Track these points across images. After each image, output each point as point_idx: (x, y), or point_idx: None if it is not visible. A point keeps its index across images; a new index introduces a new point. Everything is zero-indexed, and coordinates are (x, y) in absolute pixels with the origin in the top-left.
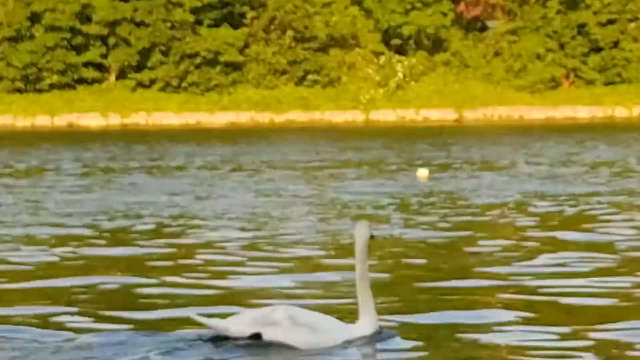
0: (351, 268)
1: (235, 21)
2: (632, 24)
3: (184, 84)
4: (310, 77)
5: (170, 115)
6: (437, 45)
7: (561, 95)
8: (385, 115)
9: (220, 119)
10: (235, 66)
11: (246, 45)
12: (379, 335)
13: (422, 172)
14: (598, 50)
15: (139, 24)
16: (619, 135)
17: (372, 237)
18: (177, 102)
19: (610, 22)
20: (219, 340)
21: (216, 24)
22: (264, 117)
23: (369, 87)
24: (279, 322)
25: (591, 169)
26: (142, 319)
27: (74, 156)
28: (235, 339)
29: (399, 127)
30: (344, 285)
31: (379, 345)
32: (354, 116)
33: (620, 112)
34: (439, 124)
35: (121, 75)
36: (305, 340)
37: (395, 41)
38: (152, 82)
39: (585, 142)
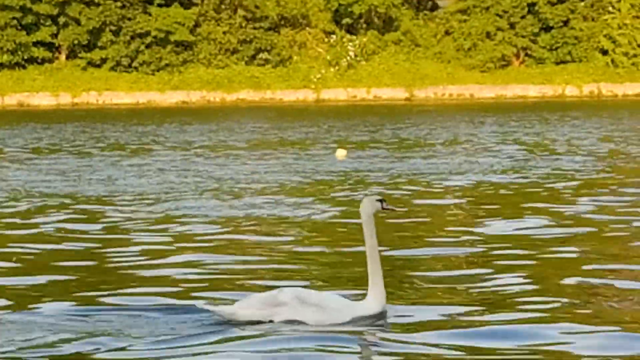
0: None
1: (186, 0)
2: (582, 3)
3: (134, 64)
4: (261, 56)
5: (121, 94)
6: (387, 24)
7: (511, 74)
8: (337, 94)
9: (171, 98)
10: (186, 45)
11: (197, 25)
12: (387, 312)
13: (340, 152)
14: (548, 29)
15: (89, 4)
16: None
17: (384, 209)
18: (128, 82)
19: (560, 1)
20: (227, 325)
21: (167, 3)
22: (215, 97)
23: (320, 67)
24: (287, 303)
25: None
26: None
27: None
28: (244, 322)
29: (350, 106)
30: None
31: (386, 322)
32: (305, 95)
33: (570, 91)
34: (390, 102)
35: (72, 54)
36: (314, 319)
37: (346, 20)
38: (103, 61)
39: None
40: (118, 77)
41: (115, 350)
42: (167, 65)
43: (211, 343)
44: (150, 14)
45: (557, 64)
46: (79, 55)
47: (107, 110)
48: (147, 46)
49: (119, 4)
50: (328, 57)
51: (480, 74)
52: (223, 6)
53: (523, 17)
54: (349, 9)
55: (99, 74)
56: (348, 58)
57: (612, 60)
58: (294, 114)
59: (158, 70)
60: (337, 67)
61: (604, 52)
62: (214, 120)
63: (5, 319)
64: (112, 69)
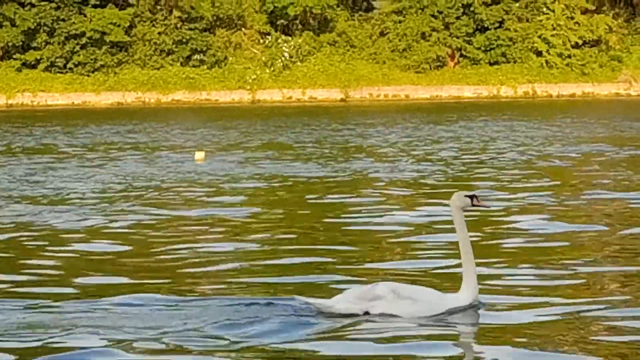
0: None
1: (121, 1)
2: (517, 4)
3: (69, 65)
4: (196, 57)
5: (55, 95)
6: (323, 25)
7: (446, 74)
8: (272, 95)
9: (106, 99)
10: (121, 46)
11: (132, 26)
12: (480, 304)
13: (199, 155)
14: (483, 30)
15: (23, 4)
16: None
17: (474, 205)
18: (63, 83)
19: (495, 2)
20: (326, 316)
21: (102, 4)
22: (150, 98)
23: (256, 68)
24: (383, 296)
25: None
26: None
27: None
28: (341, 315)
29: (286, 107)
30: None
31: (479, 314)
32: (240, 96)
33: (505, 92)
34: (326, 103)
35: (6, 55)
36: (408, 311)
37: (282, 21)
38: (38, 62)
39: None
40: (53, 78)
41: (219, 338)
42: (102, 66)
43: (311, 334)
44: (85, 15)
45: (492, 64)
46: (14, 56)
47: (41, 111)
48: (82, 47)
49: (53, 4)
50: (263, 58)
51: (415, 74)
52: (158, 7)
53: (458, 18)
54: (284, 11)
55: (33, 75)
56: (283, 59)
57: (547, 62)
58: (238, 115)
59: (93, 72)
60: (272, 68)
61: (539, 53)
62: (109, 121)
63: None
64: (47, 70)
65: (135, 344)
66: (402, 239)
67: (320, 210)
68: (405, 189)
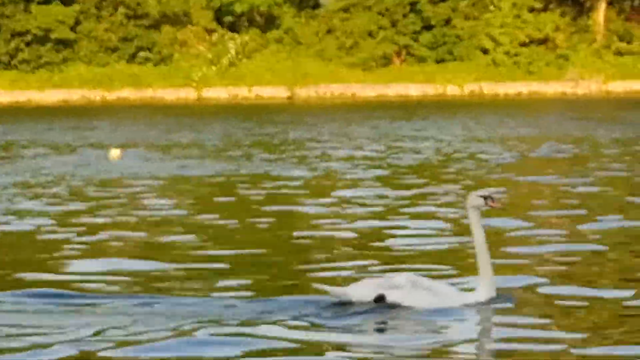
0: None
1: None
2: (464, 2)
3: (14, 62)
4: (142, 54)
5: (0, 92)
6: (269, 22)
7: (393, 72)
8: (218, 93)
9: (51, 96)
10: (66, 43)
11: (77, 22)
12: (496, 301)
13: (114, 152)
14: (430, 27)
15: None
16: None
17: (487, 204)
18: (8, 80)
19: (442, 0)
20: (342, 304)
21: (47, 1)
22: (95, 95)
23: (201, 65)
24: (401, 286)
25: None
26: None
27: None
28: (358, 303)
29: (232, 105)
30: None
31: (495, 311)
32: (186, 94)
33: (452, 90)
34: (272, 101)
35: None
36: (425, 302)
37: (228, 18)
38: None
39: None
40: None
41: (240, 325)
42: (47, 63)
43: (326, 323)
44: (30, 12)
45: (438, 62)
46: None
47: None
48: (27, 44)
49: None
50: (209, 56)
51: (362, 72)
52: (104, 3)
53: (405, 15)
54: (231, 7)
55: None
56: (229, 56)
57: (494, 60)
58: (183, 112)
59: (38, 68)
60: (218, 66)
61: (485, 51)
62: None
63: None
64: None
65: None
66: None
67: (230, 209)
68: (349, 185)
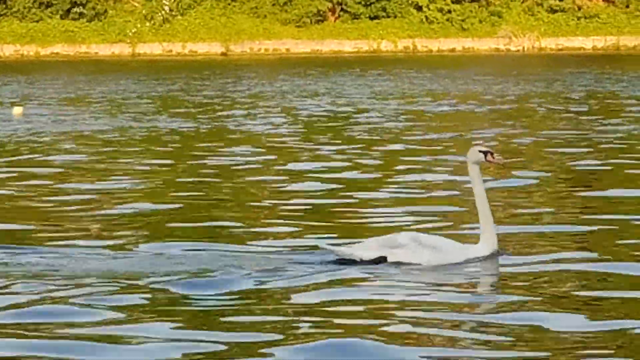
0: None
1: None
2: None
3: None
4: (75, 10)
5: None
6: None
7: (327, 29)
8: (152, 49)
9: None
10: None
11: None
12: (498, 255)
13: (17, 110)
14: None
15: None
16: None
17: (487, 160)
18: None
19: None
20: (347, 263)
21: None
22: (28, 51)
23: (136, 21)
24: (404, 245)
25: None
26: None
27: None
28: (362, 261)
29: (166, 61)
30: None
31: (497, 265)
32: (120, 50)
33: (385, 46)
34: (206, 57)
35: None
36: (428, 260)
37: None
38: None
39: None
40: None
41: (242, 282)
42: None
43: (333, 280)
44: None
45: (372, 19)
46: None
47: None
48: None
49: None
50: (144, 12)
51: (296, 29)
52: None
53: None
54: None
55: None
56: (163, 12)
57: (427, 17)
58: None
59: None
60: (152, 22)
61: (419, 8)
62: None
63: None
64: None
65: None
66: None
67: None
68: (279, 141)
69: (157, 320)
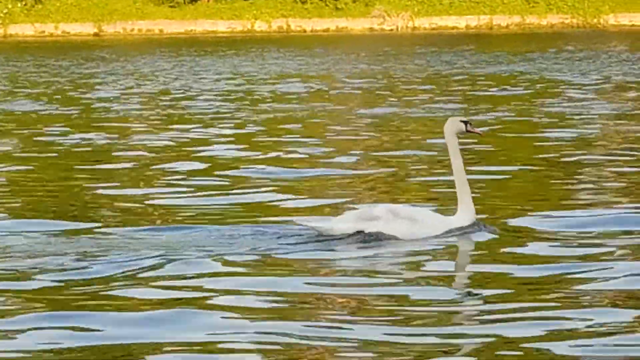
0: None
1: None
2: None
3: None
4: None
5: None
6: None
7: (200, 9)
8: (24, 30)
9: None
10: None
11: None
12: (476, 226)
13: None
14: None
15: None
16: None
17: (467, 131)
18: None
19: None
20: (323, 238)
21: None
22: None
23: (7, 1)
24: (381, 217)
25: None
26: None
27: None
28: (339, 236)
29: (38, 42)
30: None
31: (475, 236)
32: None
33: (259, 26)
34: (79, 38)
35: None
36: (406, 232)
37: None
38: None
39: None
40: None
41: (217, 260)
42: None
43: (309, 254)
44: None
45: None
46: None
47: None
48: None
49: None
50: None
51: (169, 9)
52: None
53: None
54: None
55: None
56: None
57: None
58: None
59: None
60: (24, 2)
61: None
62: None
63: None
64: None
65: None
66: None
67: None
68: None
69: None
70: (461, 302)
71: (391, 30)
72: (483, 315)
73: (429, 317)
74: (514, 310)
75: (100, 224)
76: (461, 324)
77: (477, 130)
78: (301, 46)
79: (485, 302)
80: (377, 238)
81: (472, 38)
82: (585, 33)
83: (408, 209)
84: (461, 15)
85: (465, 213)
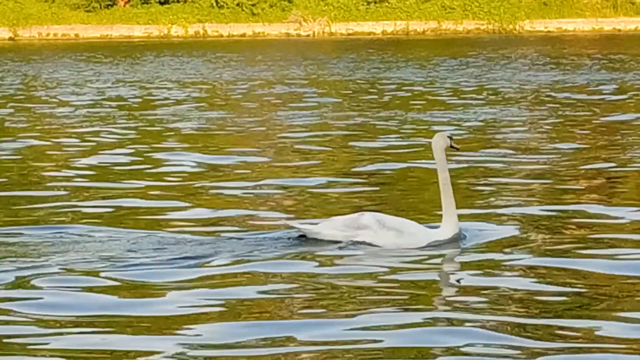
0: None
1: None
2: None
3: None
4: None
5: None
6: None
7: (117, 13)
8: None
9: None
10: None
11: None
12: (460, 238)
13: None
14: None
15: None
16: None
17: (451, 146)
18: None
19: None
20: (311, 241)
21: None
22: None
23: None
24: (369, 226)
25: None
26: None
27: None
28: (327, 241)
29: None
30: None
31: (459, 248)
32: None
33: (176, 31)
34: None
35: None
36: (392, 242)
37: None
38: None
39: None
40: None
41: (205, 266)
42: None
43: (295, 258)
44: None
45: (162, 4)
46: None
47: None
48: None
49: None
50: None
51: (85, 13)
52: None
53: None
54: None
55: None
56: None
57: (217, 1)
58: None
59: None
60: None
61: None
62: None
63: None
64: None
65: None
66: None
67: None
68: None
69: None
70: (442, 311)
71: (308, 35)
72: (463, 325)
73: (408, 326)
74: (493, 322)
75: None
76: (440, 334)
77: (456, 145)
78: (207, 51)
79: (468, 313)
80: (363, 246)
81: (388, 43)
82: (499, 39)
83: (395, 220)
84: (377, 21)
85: (450, 225)
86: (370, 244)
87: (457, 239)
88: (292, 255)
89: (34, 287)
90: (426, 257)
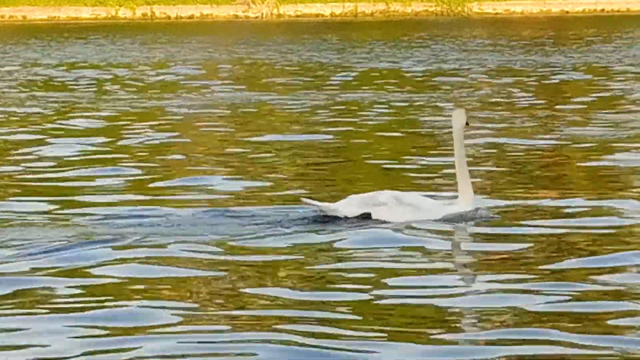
0: None
1: None
2: None
3: None
4: None
5: None
6: None
7: None
8: None
9: None
10: None
11: None
12: (477, 212)
13: None
14: None
15: None
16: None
17: (467, 124)
18: None
19: None
20: (329, 218)
21: None
22: None
23: None
24: (386, 202)
25: None
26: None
27: None
28: (345, 218)
29: None
30: None
31: (475, 221)
32: None
33: (123, 13)
34: None
35: None
36: (410, 217)
37: None
38: None
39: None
40: None
41: (230, 239)
42: None
43: (316, 234)
44: None
45: None
46: None
47: None
48: None
49: None
50: None
51: None
52: None
53: None
54: None
55: None
56: None
57: None
58: None
59: None
60: None
61: None
62: None
63: None
64: None
65: None
66: None
67: None
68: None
69: None
70: (460, 285)
71: (256, 17)
72: (478, 294)
73: (432, 295)
74: (513, 290)
75: None
76: (459, 305)
77: (470, 123)
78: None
79: (485, 284)
80: (381, 222)
81: (336, 25)
82: (448, 21)
83: (411, 196)
84: (326, 3)
85: (465, 199)
86: (386, 221)
87: (473, 213)
88: (310, 231)
89: None
90: (442, 230)
